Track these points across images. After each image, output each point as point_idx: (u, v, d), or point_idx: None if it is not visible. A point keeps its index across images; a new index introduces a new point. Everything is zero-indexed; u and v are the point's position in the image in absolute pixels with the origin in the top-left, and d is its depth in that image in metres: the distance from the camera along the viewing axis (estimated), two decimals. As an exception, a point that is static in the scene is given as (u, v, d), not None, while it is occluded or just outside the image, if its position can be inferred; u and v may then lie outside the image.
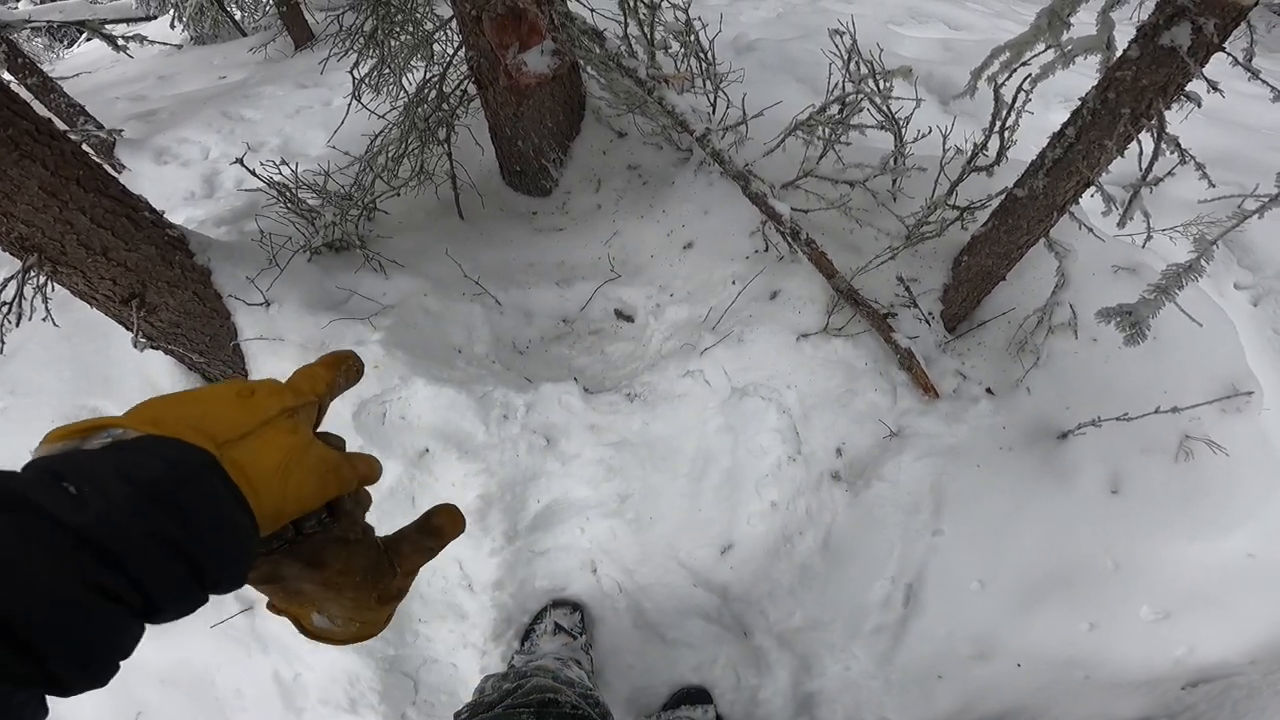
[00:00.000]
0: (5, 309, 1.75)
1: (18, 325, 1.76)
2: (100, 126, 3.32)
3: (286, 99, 3.69)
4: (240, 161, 2.03)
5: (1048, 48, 1.58)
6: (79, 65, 5.34)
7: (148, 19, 5.85)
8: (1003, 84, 1.72)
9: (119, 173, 3.36)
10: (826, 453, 2.10)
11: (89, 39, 6.97)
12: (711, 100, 2.54)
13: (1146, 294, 1.45)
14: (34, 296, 1.83)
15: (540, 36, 2.38)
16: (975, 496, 2.03)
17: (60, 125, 3.35)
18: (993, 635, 1.92)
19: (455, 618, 2.10)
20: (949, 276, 2.13)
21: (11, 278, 1.73)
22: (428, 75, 2.46)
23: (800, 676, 1.98)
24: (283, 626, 2.04)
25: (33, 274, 1.77)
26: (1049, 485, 2.03)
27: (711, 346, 2.10)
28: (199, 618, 2.07)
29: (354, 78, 2.38)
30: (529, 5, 2.25)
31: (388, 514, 2.09)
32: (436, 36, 2.77)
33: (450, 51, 2.49)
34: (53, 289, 1.86)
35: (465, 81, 2.65)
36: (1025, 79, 1.64)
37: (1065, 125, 1.61)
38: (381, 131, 2.40)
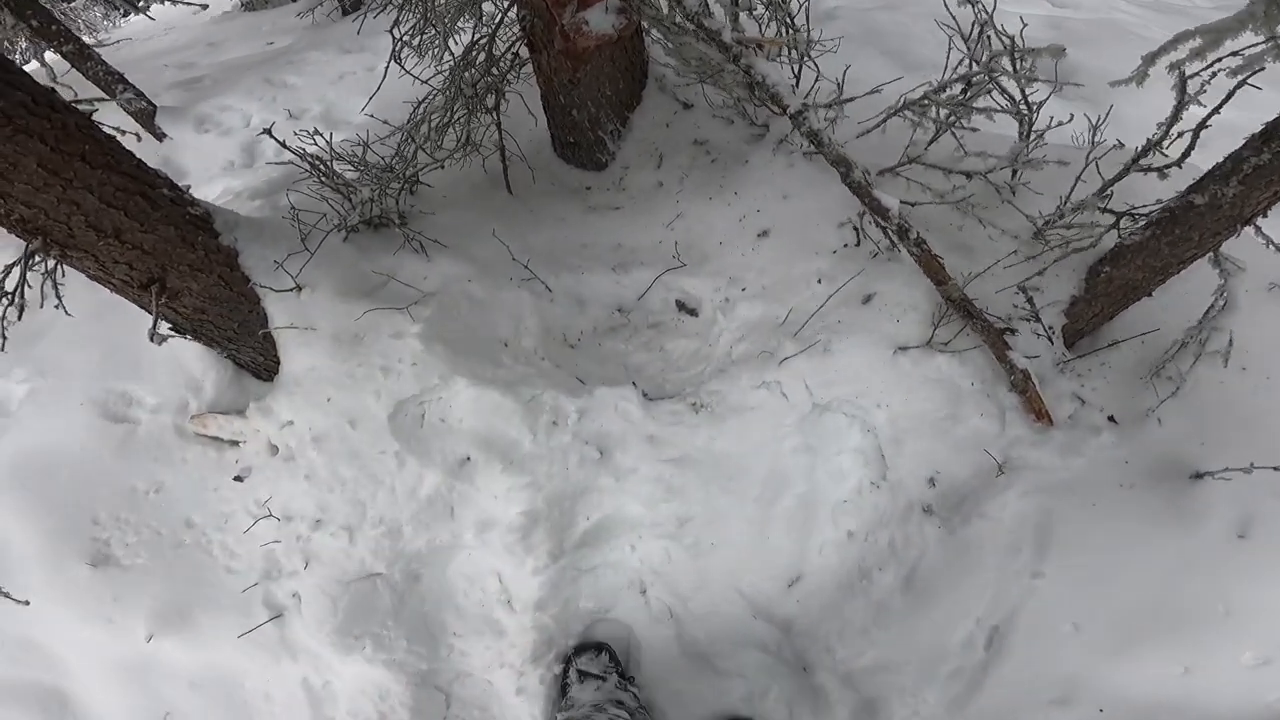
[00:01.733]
0: (9, 299, 1.48)
1: (19, 318, 1.52)
2: (140, 94, 3.05)
3: (330, 64, 3.37)
4: (268, 132, 1.72)
5: (1265, 40, 1.16)
6: (132, 33, 5.08)
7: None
8: (1194, 75, 1.31)
9: (160, 141, 3.11)
10: (917, 482, 1.76)
11: (145, 5, 6.71)
12: (795, 72, 2.12)
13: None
14: (44, 283, 1.57)
15: (604, -9, 2.00)
16: (1084, 537, 1.69)
17: (99, 93, 3.13)
18: (1078, 679, 1.62)
19: (492, 634, 1.85)
20: (1080, 288, 1.73)
21: (14, 264, 1.47)
22: (476, 36, 2.10)
23: (861, 718, 1.69)
24: (309, 634, 1.82)
25: (38, 259, 1.51)
26: (1170, 527, 1.68)
27: (792, 356, 1.75)
28: (226, 627, 1.86)
29: (394, 38, 2.02)
30: (591, -45, 1.87)
31: (425, 525, 1.84)
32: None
33: (501, 10, 2.11)
34: (63, 274, 1.60)
35: (517, 44, 2.28)
36: (1209, 76, 1.22)
37: (1275, 127, 1.23)
38: (425, 98, 2.06)
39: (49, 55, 2.93)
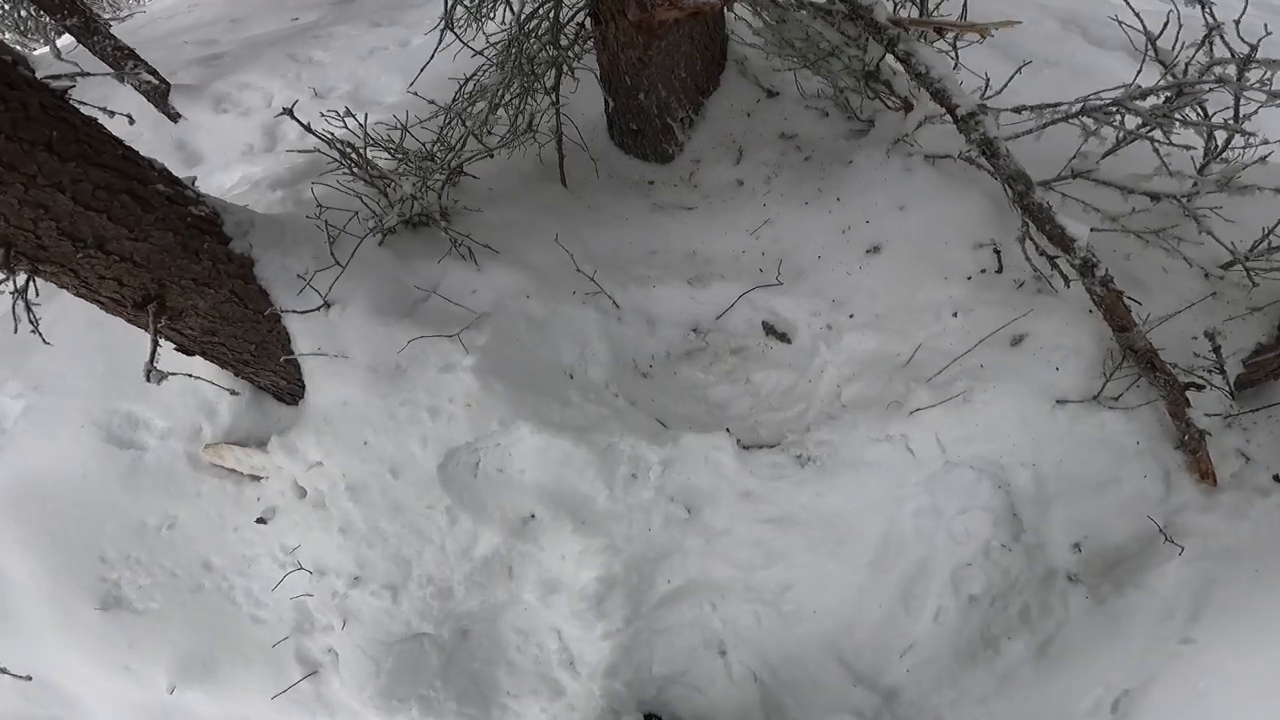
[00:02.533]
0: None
1: None
2: (153, 71, 2.54)
3: (359, 39, 2.85)
4: (289, 112, 1.28)
5: None
6: (155, 11, 4.48)
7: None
8: None
9: (175, 122, 2.61)
10: (1060, 546, 1.40)
11: None
12: (954, 58, 1.63)
13: None
14: (14, 304, 1.16)
15: (691, -53, 1.51)
16: (1242, 603, 1.38)
17: (107, 70, 2.64)
18: None
19: (550, 694, 1.52)
20: (1271, 336, 1.31)
21: (-32, 282, 1.05)
22: (538, 4, 1.63)
23: None
24: (349, 695, 1.48)
25: (2, 275, 1.09)
26: None
27: (927, 408, 1.34)
28: (255, 681, 1.52)
29: (446, 3, 1.55)
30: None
31: (480, 585, 1.47)
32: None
33: None
34: (36, 292, 1.19)
35: (579, 12, 1.80)
36: None
37: None
38: (475, 74, 1.61)
39: (59, 38, 2.43)
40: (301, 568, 1.48)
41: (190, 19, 4.16)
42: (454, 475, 1.40)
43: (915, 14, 1.48)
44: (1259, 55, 1.12)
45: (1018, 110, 1.28)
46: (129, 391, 1.68)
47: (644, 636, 1.50)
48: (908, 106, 1.64)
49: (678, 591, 1.46)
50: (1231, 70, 1.14)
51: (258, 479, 1.60)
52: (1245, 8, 1.22)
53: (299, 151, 1.44)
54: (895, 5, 1.51)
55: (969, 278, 1.47)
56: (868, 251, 1.61)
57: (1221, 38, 1.16)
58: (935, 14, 1.46)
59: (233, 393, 1.48)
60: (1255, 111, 1.29)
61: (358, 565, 1.44)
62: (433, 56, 1.58)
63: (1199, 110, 1.32)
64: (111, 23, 2.73)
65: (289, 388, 1.58)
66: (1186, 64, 1.19)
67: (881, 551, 1.40)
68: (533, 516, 1.41)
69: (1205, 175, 1.31)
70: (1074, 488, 1.35)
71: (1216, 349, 1.30)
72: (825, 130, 1.81)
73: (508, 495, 1.41)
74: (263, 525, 1.56)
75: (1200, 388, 1.29)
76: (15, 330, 1.22)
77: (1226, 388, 1.35)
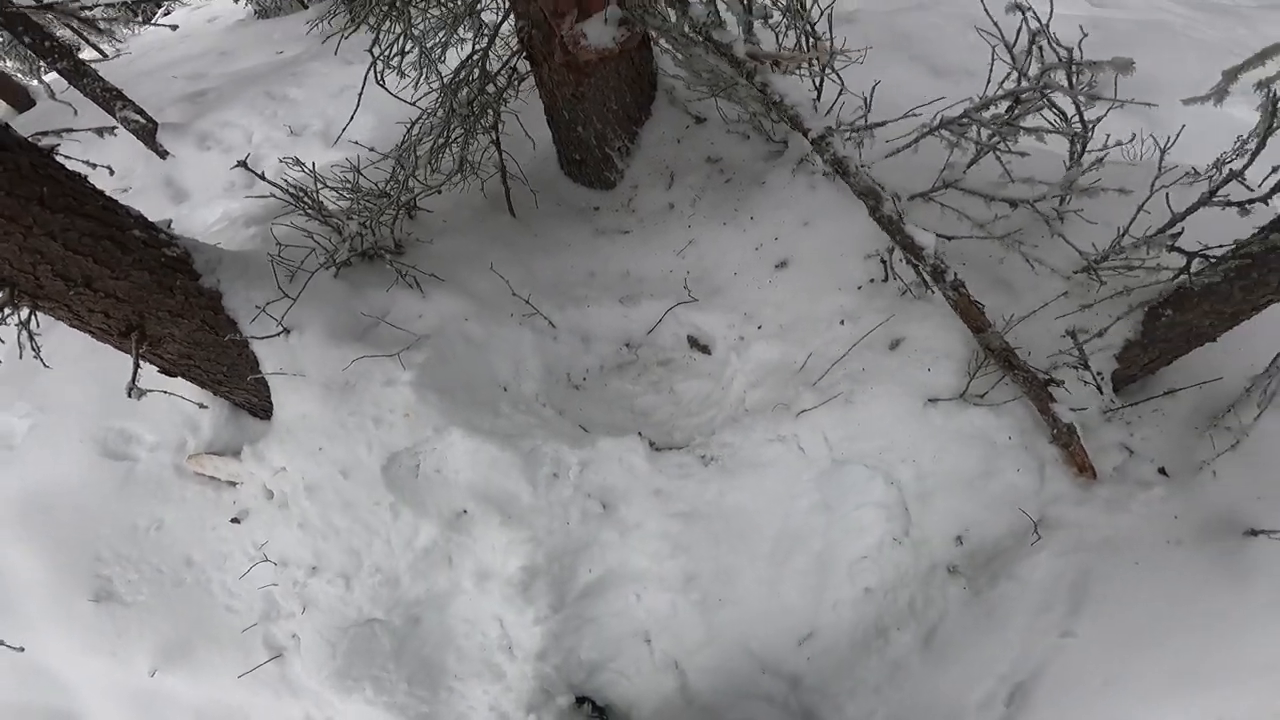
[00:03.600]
0: (-25, 354, 1.35)
1: None
2: (140, 111, 2.88)
3: (331, 76, 3.17)
4: (243, 164, 1.55)
5: None
6: (149, 42, 4.91)
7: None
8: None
9: (163, 159, 2.95)
10: (944, 540, 1.57)
11: (168, 12, 6.55)
12: (815, 86, 1.87)
13: None
14: (19, 335, 1.44)
15: (604, 1, 1.77)
16: (1126, 596, 1.51)
17: (101, 111, 2.98)
18: None
19: (491, 677, 1.73)
20: (1136, 332, 1.49)
21: (-18, 319, 1.33)
22: (470, 52, 1.89)
23: None
24: (309, 676, 1.72)
25: (9, 311, 1.37)
26: (1218, 585, 1.49)
27: (812, 409, 1.54)
28: (228, 664, 1.77)
29: (373, 56, 1.82)
30: (590, -40, 1.64)
31: (422, 574, 1.70)
32: (485, 4, 2.17)
33: (494, 24, 1.89)
34: (38, 324, 1.47)
35: (514, 58, 2.06)
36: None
37: None
38: (418, 119, 1.87)
39: (48, 75, 2.78)
40: (267, 560, 1.73)
41: (181, 51, 4.55)
42: (396, 476, 1.64)
43: (792, 44, 1.69)
44: (1088, 58, 1.30)
45: (864, 128, 1.47)
46: (122, 410, 1.97)
47: (573, 624, 1.70)
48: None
49: (600, 581, 1.67)
50: (1061, 76, 1.32)
51: (234, 484, 1.87)
52: (1051, 12, 1.40)
53: (258, 197, 1.70)
54: (779, 35, 1.71)
55: (859, 287, 1.67)
56: (777, 266, 1.82)
57: (1051, 43, 1.34)
58: (783, 50, 1.68)
59: (201, 406, 1.75)
60: (1104, 115, 1.46)
61: (315, 557, 1.69)
62: (353, 116, 1.85)
63: (1060, 116, 1.50)
64: (98, 64, 3.06)
65: (261, 404, 1.85)
66: (1021, 73, 1.37)
67: (778, 544, 1.59)
68: (465, 511, 1.65)
69: (1056, 182, 1.48)
70: (951, 482, 1.52)
71: (1079, 346, 1.47)
72: (746, 152, 2.03)
73: (444, 493, 1.65)
74: (237, 525, 1.82)
75: (1059, 384, 1.47)
76: (20, 357, 1.49)
77: (1094, 382, 1.51)
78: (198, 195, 2.77)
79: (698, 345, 1.92)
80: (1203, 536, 1.51)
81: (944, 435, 1.50)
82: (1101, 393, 1.52)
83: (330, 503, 1.66)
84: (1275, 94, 1.05)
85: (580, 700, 1.71)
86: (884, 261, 1.64)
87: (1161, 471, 1.57)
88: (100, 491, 1.93)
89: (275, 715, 1.81)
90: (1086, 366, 1.49)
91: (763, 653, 1.64)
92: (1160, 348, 1.47)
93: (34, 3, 2.52)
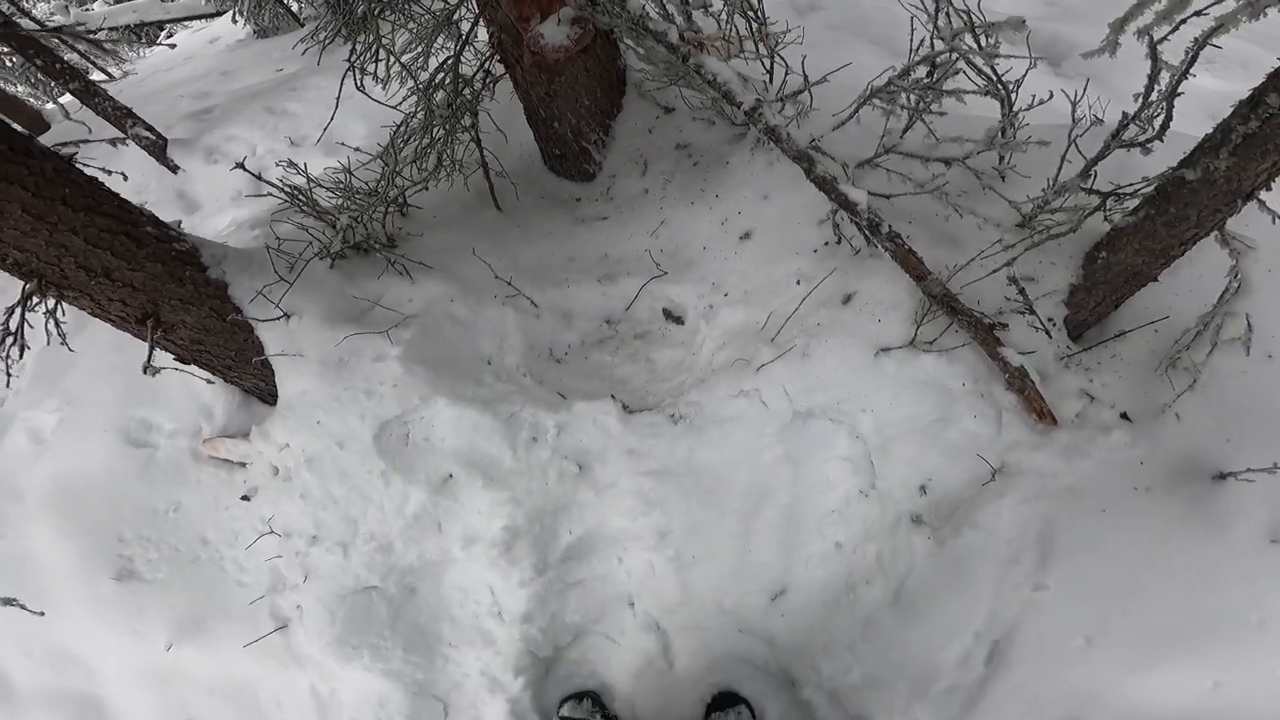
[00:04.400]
0: (12, 338, 1.57)
1: (20, 357, 1.60)
2: (150, 129, 3.19)
3: (329, 89, 3.45)
4: (241, 165, 1.76)
5: None
6: (155, 64, 5.34)
7: (216, 14, 5.78)
8: (1161, 39, 1.19)
9: (175, 173, 3.25)
10: (907, 491, 1.67)
11: (170, 35, 7.04)
12: (767, 67, 2.04)
13: None
14: (46, 322, 1.66)
15: (560, 2, 1.96)
16: (1094, 545, 1.56)
17: (114, 130, 3.29)
18: (1091, 694, 1.48)
19: (483, 644, 1.87)
20: (1078, 276, 1.60)
21: (14, 306, 1.55)
22: (443, 59, 2.10)
23: None
24: (311, 644, 1.88)
25: (36, 300, 1.59)
26: (1193, 533, 1.52)
27: (769, 363, 1.69)
28: (237, 636, 1.94)
29: (350, 65, 2.04)
30: (546, -32, 1.83)
31: (414, 540, 1.86)
32: (461, 15, 2.38)
33: (464, 31, 2.10)
34: (64, 312, 1.68)
35: (488, 61, 2.27)
36: (1196, 38, 1.11)
37: (1263, 91, 1.10)
38: (402, 122, 2.08)
39: (62, 98, 3.07)
40: (273, 532, 1.91)
41: (185, 71, 4.93)
42: (387, 444, 1.82)
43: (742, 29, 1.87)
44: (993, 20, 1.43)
45: (788, 96, 1.61)
46: (144, 401, 2.19)
47: (557, 588, 1.84)
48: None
49: (580, 542, 1.82)
50: (967, 40, 1.46)
51: (244, 465, 2.07)
52: None
53: (258, 196, 1.92)
54: (721, 22, 1.88)
55: (815, 250, 1.81)
56: (740, 238, 1.97)
57: (951, 9, 1.47)
58: (719, 34, 1.84)
59: (209, 382, 1.94)
60: (1024, 76, 1.59)
61: (315, 526, 1.87)
62: (332, 118, 2.07)
63: (989, 77, 1.63)
64: (106, 85, 3.37)
65: (268, 389, 2.05)
66: (932, 39, 1.51)
67: (746, 499, 1.71)
68: (451, 476, 1.81)
69: (980, 139, 1.61)
70: (909, 430, 1.63)
71: (1021, 291, 1.59)
72: (711, 137, 2.20)
73: (431, 459, 1.82)
74: (246, 502, 2.02)
75: (1004, 326, 1.58)
76: (48, 343, 1.70)
77: (1042, 327, 1.62)
78: (208, 205, 3.04)
79: (672, 316, 2.07)
80: (1171, 482, 1.56)
81: (897, 383, 1.61)
82: (1051, 337, 1.62)
83: (328, 473, 1.84)
84: (1153, 39, 1.17)
85: (581, 696, 1.81)
86: (835, 224, 1.78)
87: (1124, 416, 1.64)
88: (123, 477, 2.14)
89: (283, 687, 1.98)
90: (1033, 311, 1.60)
91: (737, 610, 1.75)
92: (1103, 290, 1.57)
93: (40, 27, 2.82)
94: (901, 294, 1.64)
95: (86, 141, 1.75)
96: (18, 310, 1.60)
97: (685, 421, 1.75)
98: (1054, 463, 1.58)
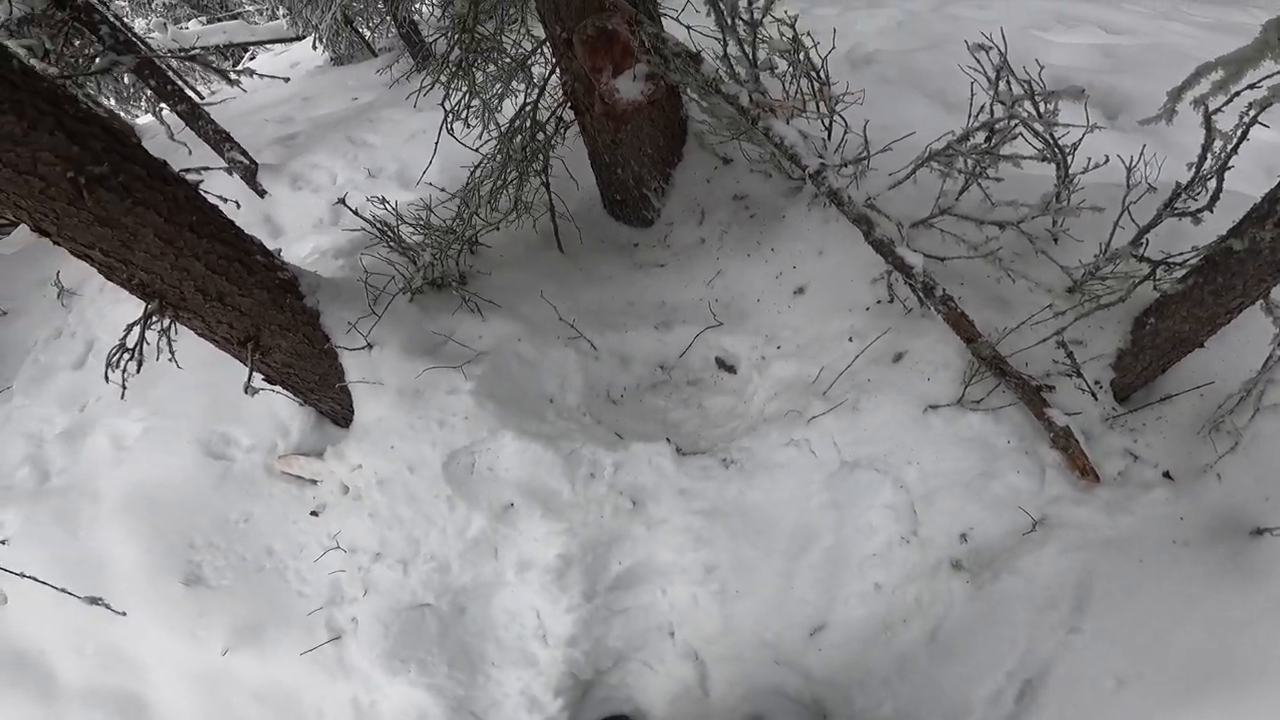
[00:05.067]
0: (129, 354, 1.78)
1: (138, 370, 1.80)
2: (244, 153, 3.50)
3: (404, 123, 3.75)
4: (343, 201, 1.99)
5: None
6: (239, 88, 5.79)
7: (298, 39, 6.24)
8: (1217, 111, 1.29)
9: (262, 197, 3.54)
10: (949, 538, 1.77)
11: (252, 57, 7.60)
12: (826, 125, 2.21)
13: None
14: (159, 340, 1.86)
15: (633, 59, 2.16)
16: (1130, 593, 1.65)
17: (211, 152, 3.59)
18: None
19: (525, 665, 2.00)
20: (1126, 340, 1.70)
21: (135, 324, 1.76)
22: (524, 102, 2.31)
23: None
24: (362, 655, 2.01)
25: (155, 319, 1.79)
26: (1228, 584, 1.59)
27: (821, 415, 1.81)
28: (292, 644, 2.08)
29: (445, 110, 2.27)
30: (619, 26, 2.03)
31: (471, 562, 2.01)
32: (533, 60, 2.61)
33: (543, 78, 2.32)
34: (176, 330, 1.89)
35: (560, 108, 2.48)
36: (1248, 105, 1.21)
37: None
38: (479, 164, 2.29)
39: (164, 113, 3.33)
40: (339, 547, 2.08)
41: (268, 95, 5.32)
42: (455, 472, 1.98)
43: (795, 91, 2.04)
44: (1053, 88, 1.57)
45: (853, 162, 1.76)
46: (227, 416, 2.40)
47: (602, 614, 1.96)
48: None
49: (629, 572, 1.94)
50: (1028, 106, 1.60)
51: (315, 482, 2.25)
52: (1006, 48, 1.67)
53: (351, 230, 2.14)
54: (785, 82, 2.05)
55: (867, 308, 1.95)
56: (794, 292, 2.12)
57: (1012, 77, 1.61)
58: (785, 98, 2.02)
59: (301, 403, 2.13)
60: (1080, 140, 1.71)
61: (380, 544, 2.03)
62: (431, 160, 2.29)
63: (1046, 142, 1.76)
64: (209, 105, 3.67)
65: (343, 412, 2.24)
66: (992, 105, 1.64)
67: (792, 540, 1.83)
68: (512, 505, 1.96)
69: (1035, 204, 1.74)
70: (952, 483, 1.74)
71: (1069, 355, 1.70)
72: (768, 190, 2.36)
73: (494, 488, 1.98)
74: (315, 517, 2.20)
75: (1051, 389, 1.68)
76: (157, 358, 1.90)
77: (1089, 389, 1.72)
78: (291, 231, 3.32)
79: (724, 365, 2.21)
80: (1209, 537, 1.64)
81: (944, 439, 1.73)
82: (1097, 399, 1.72)
83: (397, 495, 2.01)
84: (1208, 109, 1.28)
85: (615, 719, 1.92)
86: (888, 284, 1.91)
87: (1166, 475, 1.73)
88: (200, 487, 2.34)
89: (326, 696, 2.12)
90: (1079, 374, 1.70)
91: (776, 643, 1.86)
92: (1150, 355, 1.67)
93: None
94: (951, 354, 1.76)
95: (206, 169, 1.97)
96: (138, 328, 1.80)
97: (736, 466, 1.88)
98: (1095, 517, 1.68)
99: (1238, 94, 1.20)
